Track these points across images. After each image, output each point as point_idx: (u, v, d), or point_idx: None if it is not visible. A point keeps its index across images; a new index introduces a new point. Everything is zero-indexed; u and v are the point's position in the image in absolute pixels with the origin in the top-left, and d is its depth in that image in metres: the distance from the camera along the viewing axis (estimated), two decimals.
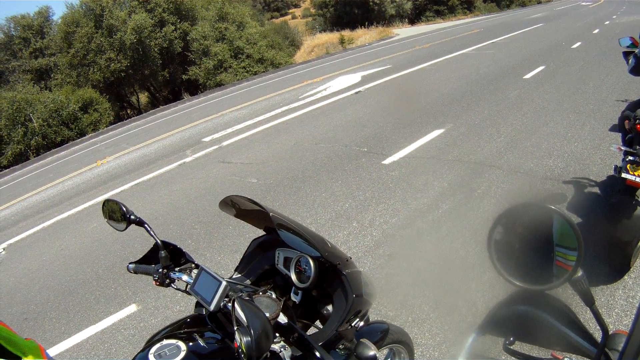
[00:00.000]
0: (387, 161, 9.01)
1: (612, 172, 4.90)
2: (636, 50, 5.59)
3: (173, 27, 35.19)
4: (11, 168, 22.79)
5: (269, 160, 10.64)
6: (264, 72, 34.12)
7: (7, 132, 24.71)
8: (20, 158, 24.31)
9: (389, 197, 7.31)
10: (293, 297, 2.34)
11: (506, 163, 8.06)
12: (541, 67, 16.49)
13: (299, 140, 11.73)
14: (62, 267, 7.90)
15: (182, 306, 5.59)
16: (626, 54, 6.01)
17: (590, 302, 1.55)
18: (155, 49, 34.32)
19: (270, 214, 2.01)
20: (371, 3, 62.63)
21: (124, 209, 2.33)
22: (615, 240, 4.54)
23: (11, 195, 15.14)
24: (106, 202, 2.46)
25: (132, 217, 2.32)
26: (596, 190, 6.45)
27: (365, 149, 10.01)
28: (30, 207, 12.68)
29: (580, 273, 1.55)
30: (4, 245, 9.90)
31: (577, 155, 7.87)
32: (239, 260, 2.47)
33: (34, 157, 24.14)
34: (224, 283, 1.87)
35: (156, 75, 36.37)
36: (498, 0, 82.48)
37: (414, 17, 67.89)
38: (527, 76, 15.34)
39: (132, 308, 5.89)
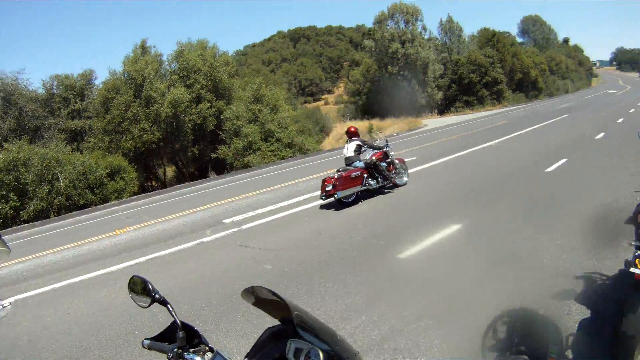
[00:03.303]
0: (403, 255, 8.96)
1: (623, 267, 4.92)
2: None
3: (209, 105, 36.05)
4: (30, 223, 23.15)
5: (286, 247, 10.65)
6: (291, 157, 34.53)
7: (33, 187, 24.89)
8: (41, 215, 24.54)
9: (400, 292, 7.29)
10: None
11: (521, 259, 8.04)
12: (563, 160, 16.67)
13: (318, 230, 11.76)
14: (65, 331, 7.89)
15: None
16: None
17: None
18: (189, 125, 35.10)
19: (294, 312, 2.03)
20: (403, 92, 63.58)
21: (150, 286, 2.42)
22: (620, 334, 4.49)
23: (27, 251, 15.23)
24: (133, 277, 2.53)
25: (157, 295, 2.40)
26: (607, 284, 6.44)
27: (382, 242, 9.98)
28: (44, 266, 12.75)
29: None
30: (11, 299, 9.79)
31: (591, 249, 7.88)
32: (245, 345, 2.48)
33: (55, 216, 24.45)
34: None
35: (186, 150, 37.08)
36: (526, 91, 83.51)
37: (444, 108, 68.75)
38: (549, 169, 15.47)
39: None
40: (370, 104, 68.48)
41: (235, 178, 28.07)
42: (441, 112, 67.90)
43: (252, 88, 38.03)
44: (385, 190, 15.49)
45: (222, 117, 36.58)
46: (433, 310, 6.47)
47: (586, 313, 5.78)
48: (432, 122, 53.29)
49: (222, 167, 36.06)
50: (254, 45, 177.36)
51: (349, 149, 15.28)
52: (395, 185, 15.92)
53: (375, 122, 49.29)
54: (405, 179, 16.42)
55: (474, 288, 7.06)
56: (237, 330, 6.68)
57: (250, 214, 14.57)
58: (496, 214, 11.08)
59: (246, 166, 33.34)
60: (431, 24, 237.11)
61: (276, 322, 2.29)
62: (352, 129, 15.71)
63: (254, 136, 34.79)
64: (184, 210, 17.35)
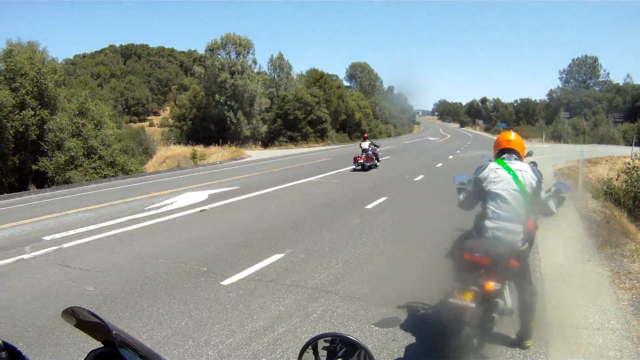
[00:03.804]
0: (226, 282, 9.03)
1: (443, 297, 5.44)
2: (468, 187, 6.23)
3: (33, 112, 34.18)
4: None
5: (108, 269, 10.34)
6: (113, 176, 33.60)
7: None
8: None
9: (225, 318, 7.33)
10: None
11: (342, 289, 8.39)
12: (383, 198, 17.66)
13: (141, 253, 11.55)
14: None
15: None
16: (460, 190, 6.63)
17: None
18: (11, 131, 33.10)
19: (113, 331, 2.08)
20: (228, 122, 63.67)
21: None
22: (448, 357, 5.16)
23: None
24: None
25: None
26: (429, 312, 6.92)
27: (205, 268, 10.00)
28: None
29: None
30: None
31: (413, 281, 8.39)
32: None
33: None
34: None
35: (6, 159, 34.66)
36: (350, 132, 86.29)
37: (268, 141, 69.57)
38: (369, 206, 16.31)
39: None
40: (195, 130, 68.12)
41: (56, 193, 26.78)
42: (265, 145, 68.79)
43: (78, 100, 36.70)
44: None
45: (45, 127, 34.78)
46: (259, 337, 6.62)
47: (411, 339, 6.25)
48: (256, 153, 53.96)
49: (43, 181, 34.18)
50: (84, 56, 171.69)
51: (365, 144, 31.01)
52: (376, 166, 31.50)
53: (200, 149, 49.06)
54: (379, 163, 32.27)
55: (297, 316, 7.29)
56: (62, 354, 6.46)
57: (71, 232, 13.99)
58: (317, 245, 11.48)
59: (67, 182, 31.93)
60: (262, 58, 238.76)
61: (100, 344, 2.36)
62: (366, 135, 36.48)
63: (76, 151, 33.56)
64: (2, 224, 16.33)
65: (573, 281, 8.57)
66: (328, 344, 2.11)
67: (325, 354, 2.11)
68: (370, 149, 30.92)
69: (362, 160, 29.73)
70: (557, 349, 5.97)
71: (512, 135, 6.21)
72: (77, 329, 2.16)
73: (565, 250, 10.76)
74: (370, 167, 30.32)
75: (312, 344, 2.10)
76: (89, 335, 2.20)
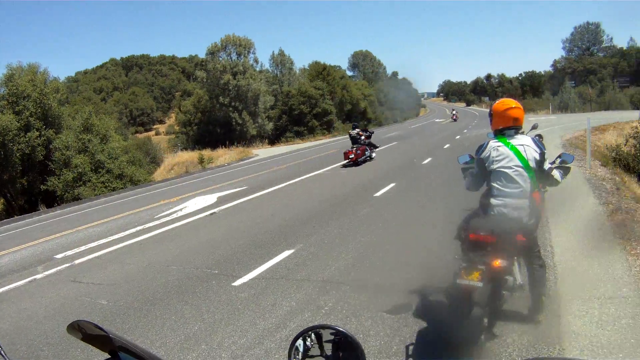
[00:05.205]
0: (237, 283, 9.05)
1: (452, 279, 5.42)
2: (473, 169, 6.15)
3: (38, 133, 34.46)
4: None
5: (120, 281, 10.39)
6: (122, 188, 33.78)
7: None
8: None
9: (237, 319, 7.35)
10: None
11: (353, 279, 8.40)
12: (392, 184, 17.64)
13: (152, 262, 11.59)
14: None
15: None
16: (464, 170, 6.57)
17: None
18: (17, 154, 33.36)
19: (111, 336, 2.07)
20: (234, 123, 63.93)
21: None
22: (460, 338, 5.15)
23: None
24: None
25: None
26: (441, 297, 6.77)
27: (216, 270, 10.03)
28: None
29: None
30: None
31: (423, 265, 8.32)
32: None
33: None
34: None
35: (14, 182, 35.15)
36: (356, 121, 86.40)
37: (275, 138, 69.73)
38: (378, 194, 16.29)
39: None
40: (201, 135, 68.40)
41: (66, 211, 26.98)
42: (272, 142, 68.85)
43: (82, 117, 37.12)
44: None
45: (51, 146, 35.09)
46: (271, 334, 6.64)
47: (422, 324, 6.26)
48: (263, 151, 54.09)
49: (52, 200, 34.39)
50: (85, 72, 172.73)
51: (353, 132, 26.87)
52: (371, 158, 27.30)
53: (207, 153, 49.16)
54: (374, 155, 27.97)
55: (309, 310, 7.30)
56: None
57: (82, 248, 14.04)
58: (327, 238, 11.49)
59: (77, 198, 32.20)
60: (263, 56, 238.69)
61: (107, 355, 2.33)
62: (355, 124, 28.89)
63: (83, 167, 33.89)
64: (14, 246, 16.40)
65: (584, 251, 8.51)
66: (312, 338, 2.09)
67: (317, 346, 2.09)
68: (361, 137, 26.73)
69: (352, 156, 25.52)
70: (569, 321, 5.92)
71: (516, 112, 5.78)
72: (85, 343, 2.16)
73: (575, 220, 10.64)
74: (364, 161, 26.44)
75: (300, 337, 2.07)
76: (98, 349, 2.19)
